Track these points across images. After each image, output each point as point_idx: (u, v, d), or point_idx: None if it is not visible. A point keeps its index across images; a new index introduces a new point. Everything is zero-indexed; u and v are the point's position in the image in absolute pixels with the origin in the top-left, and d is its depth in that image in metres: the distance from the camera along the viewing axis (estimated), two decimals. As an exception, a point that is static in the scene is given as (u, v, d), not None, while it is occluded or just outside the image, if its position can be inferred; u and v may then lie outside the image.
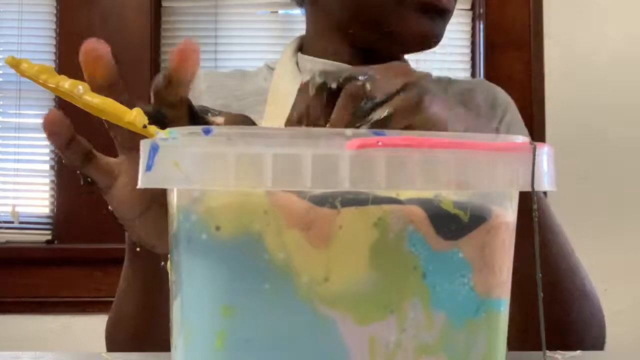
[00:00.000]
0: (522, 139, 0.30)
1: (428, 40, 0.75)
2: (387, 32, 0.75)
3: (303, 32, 0.84)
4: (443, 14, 0.74)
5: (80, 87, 0.34)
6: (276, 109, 0.76)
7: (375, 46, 0.77)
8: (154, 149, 0.28)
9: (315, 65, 0.78)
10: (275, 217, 0.27)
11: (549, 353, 0.47)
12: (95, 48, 0.44)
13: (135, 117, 0.31)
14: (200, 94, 0.79)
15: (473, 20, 1.76)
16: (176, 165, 0.27)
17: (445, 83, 0.85)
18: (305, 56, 0.80)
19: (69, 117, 0.45)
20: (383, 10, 0.73)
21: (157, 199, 0.48)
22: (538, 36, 1.70)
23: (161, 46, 1.74)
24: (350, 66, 0.71)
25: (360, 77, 0.46)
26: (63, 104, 0.37)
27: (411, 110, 0.47)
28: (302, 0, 0.83)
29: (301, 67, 0.80)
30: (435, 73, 0.89)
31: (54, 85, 0.34)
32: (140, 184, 0.30)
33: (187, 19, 1.76)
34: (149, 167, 0.28)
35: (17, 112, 1.73)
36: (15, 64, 0.35)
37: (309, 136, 0.27)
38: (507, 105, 0.84)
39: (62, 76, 0.35)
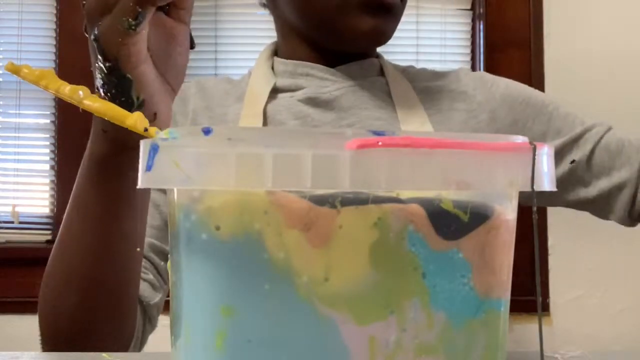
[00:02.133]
0: (522, 139, 0.30)
1: (373, 38, 0.77)
2: (335, 32, 0.77)
3: None
4: (389, 10, 0.75)
5: (80, 92, 0.34)
6: (250, 110, 0.79)
7: (330, 46, 0.80)
8: (154, 149, 0.28)
9: (287, 67, 0.80)
10: (275, 217, 0.27)
11: (548, 353, 0.47)
12: None
13: (136, 120, 0.31)
14: (189, 97, 0.83)
15: (473, 20, 1.76)
16: (176, 165, 0.27)
17: (429, 75, 0.87)
18: (279, 59, 0.83)
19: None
20: (327, 11, 0.75)
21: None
22: (538, 36, 1.70)
23: (161, 46, 1.73)
24: None
25: None
26: (64, 104, 0.37)
27: None
28: (265, 5, 0.86)
29: (275, 69, 0.83)
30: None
31: (54, 91, 0.34)
32: (140, 184, 0.30)
33: (187, 19, 1.76)
34: (149, 167, 0.28)
35: (17, 112, 1.73)
36: (15, 70, 0.35)
37: (309, 136, 0.27)
38: (494, 78, 0.86)
39: (63, 82, 0.35)
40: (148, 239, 0.72)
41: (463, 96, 0.83)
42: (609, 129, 0.81)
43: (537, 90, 0.86)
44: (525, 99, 0.83)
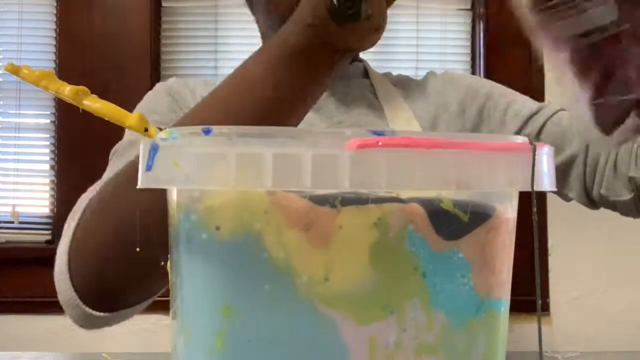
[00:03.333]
0: (522, 139, 0.30)
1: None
2: None
3: None
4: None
5: (80, 92, 0.34)
6: None
7: None
8: (154, 149, 0.28)
9: None
10: (275, 217, 0.27)
11: (548, 353, 0.47)
12: None
13: (136, 121, 0.31)
14: (184, 95, 0.84)
15: (473, 20, 1.76)
16: (176, 165, 0.27)
17: (405, 80, 0.92)
18: None
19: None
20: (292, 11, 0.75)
21: None
22: (538, 36, 1.70)
23: (161, 46, 1.74)
24: None
25: None
26: (64, 104, 0.37)
27: None
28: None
29: None
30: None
31: (54, 91, 0.34)
32: (140, 184, 0.30)
33: (187, 19, 1.76)
34: (149, 167, 0.28)
35: (17, 112, 1.73)
36: (15, 70, 0.35)
37: (309, 136, 0.27)
38: (459, 74, 0.92)
39: (62, 82, 0.35)
40: None
41: (434, 92, 0.88)
42: (564, 109, 0.83)
43: (496, 83, 0.91)
44: (488, 88, 0.88)
